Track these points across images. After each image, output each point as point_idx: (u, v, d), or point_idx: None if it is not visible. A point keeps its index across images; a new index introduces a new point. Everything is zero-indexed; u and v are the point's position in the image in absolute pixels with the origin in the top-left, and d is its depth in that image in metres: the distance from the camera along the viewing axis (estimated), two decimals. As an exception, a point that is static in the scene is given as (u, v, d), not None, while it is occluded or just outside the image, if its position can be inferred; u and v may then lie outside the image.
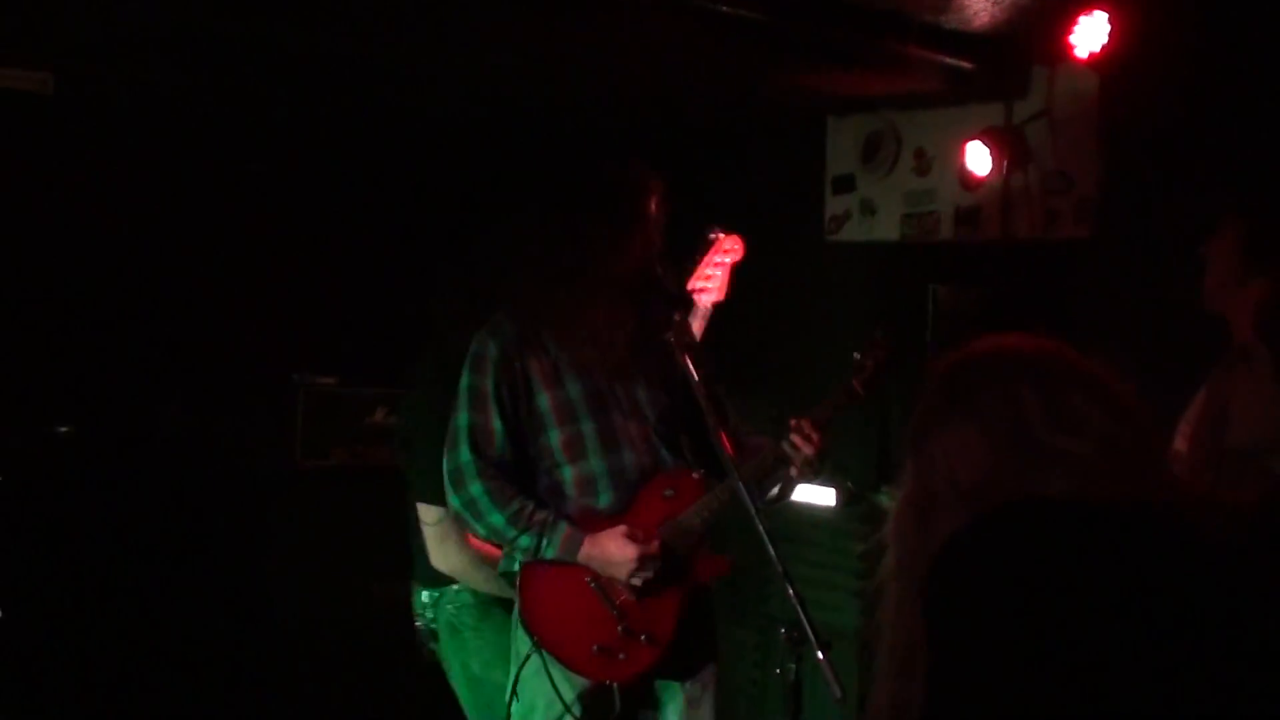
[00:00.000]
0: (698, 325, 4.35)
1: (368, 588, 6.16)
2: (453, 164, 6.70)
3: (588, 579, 3.86)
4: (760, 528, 3.52)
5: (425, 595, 4.59)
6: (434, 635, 4.61)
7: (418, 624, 4.66)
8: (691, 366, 3.79)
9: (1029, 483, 1.98)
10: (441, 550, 4.40)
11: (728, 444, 3.74)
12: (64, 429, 5.48)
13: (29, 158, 6.13)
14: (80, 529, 6.15)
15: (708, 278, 4.53)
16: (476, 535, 4.02)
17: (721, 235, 4.57)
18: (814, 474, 4.02)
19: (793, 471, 3.98)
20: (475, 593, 4.50)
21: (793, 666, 4.74)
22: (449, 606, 4.54)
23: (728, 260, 4.59)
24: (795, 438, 3.88)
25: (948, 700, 1.88)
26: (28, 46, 5.53)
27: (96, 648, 5.98)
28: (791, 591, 3.45)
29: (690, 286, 4.14)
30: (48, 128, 6.15)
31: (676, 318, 3.88)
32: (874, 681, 2.10)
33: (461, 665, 4.54)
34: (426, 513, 4.39)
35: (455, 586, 4.51)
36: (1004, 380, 2.08)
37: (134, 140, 6.39)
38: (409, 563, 4.63)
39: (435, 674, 5.69)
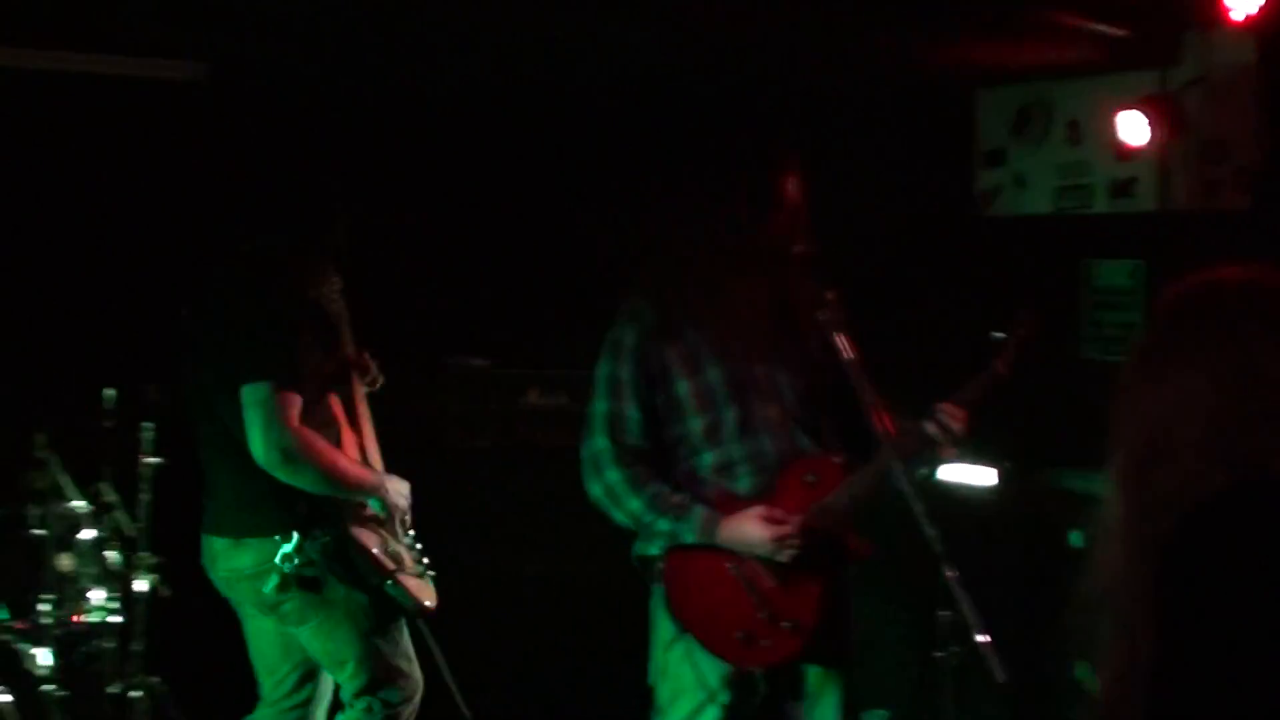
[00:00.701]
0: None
1: (521, 568, 6.21)
2: (597, 143, 6.69)
3: (729, 566, 3.85)
4: (917, 509, 3.48)
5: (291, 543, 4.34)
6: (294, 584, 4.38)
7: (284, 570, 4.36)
8: (847, 346, 3.76)
9: (1259, 431, 1.86)
10: (276, 433, 4.18)
11: (886, 424, 3.70)
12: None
13: (183, 148, 6.23)
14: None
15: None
16: (615, 520, 4.01)
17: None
18: (957, 456, 3.97)
19: (938, 453, 3.93)
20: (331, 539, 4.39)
21: (956, 650, 4.71)
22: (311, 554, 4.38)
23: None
24: (941, 419, 3.83)
25: (1188, 676, 1.81)
26: (181, 36, 5.63)
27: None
28: (950, 574, 3.41)
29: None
30: (201, 117, 6.24)
31: (830, 297, 3.84)
32: (1098, 643, 1.99)
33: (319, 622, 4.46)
34: (255, 393, 4.20)
35: (318, 531, 4.37)
36: (1230, 318, 1.94)
37: (287, 128, 6.47)
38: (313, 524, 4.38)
39: (585, 651, 5.75)
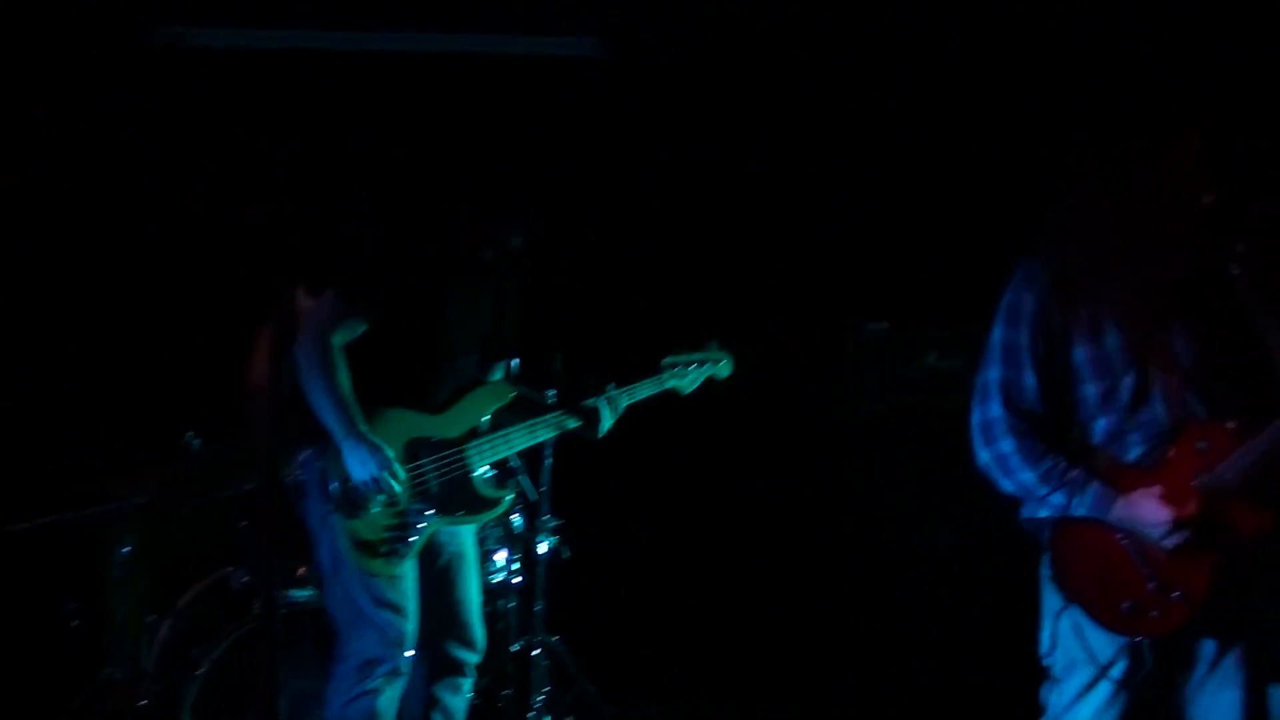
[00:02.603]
0: None
1: (925, 533, 6.14)
2: (1001, 104, 6.54)
3: (1119, 536, 3.74)
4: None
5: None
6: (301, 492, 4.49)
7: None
8: (1260, 301, 3.57)
9: None
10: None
11: None
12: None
13: (580, 124, 6.37)
14: (655, 478, 6.44)
15: None
16: (1002, 490, 3.92)
17: None
18: None
19: None
20: None
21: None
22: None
23: None
24: None
25: None
26: (579, 12, 5.73)
27: (662, 593, 6.31)
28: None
29: None
30: (598, 94, 6.36)
31: (1239, 249, 3.65)
32: None
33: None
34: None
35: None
36: None
37: (686, 106, 6.54)
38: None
39: (979, 618, 5.62)
